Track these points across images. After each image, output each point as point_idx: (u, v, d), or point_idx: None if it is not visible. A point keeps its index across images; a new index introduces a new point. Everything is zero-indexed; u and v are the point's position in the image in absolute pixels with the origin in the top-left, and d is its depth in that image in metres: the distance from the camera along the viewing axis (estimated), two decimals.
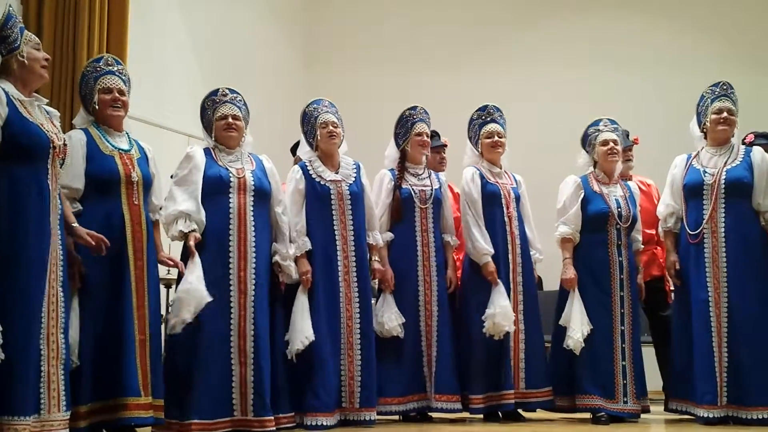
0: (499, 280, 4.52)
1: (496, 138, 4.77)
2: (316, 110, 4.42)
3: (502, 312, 4.43)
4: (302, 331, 4.06)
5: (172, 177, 4.03)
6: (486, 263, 4.54)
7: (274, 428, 3.88)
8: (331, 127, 4.37)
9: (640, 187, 5.07)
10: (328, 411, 4.09)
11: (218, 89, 4.17)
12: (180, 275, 3.83)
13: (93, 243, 3.37)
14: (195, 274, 3.73)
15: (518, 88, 7.84)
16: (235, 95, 4.17)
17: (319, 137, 4.37)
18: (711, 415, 4.30)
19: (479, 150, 4.82)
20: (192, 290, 3.69)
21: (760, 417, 4.23)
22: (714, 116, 4.54)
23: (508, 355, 4.55)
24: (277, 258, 4.10)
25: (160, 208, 3.86)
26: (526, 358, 4.60)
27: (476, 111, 4.86)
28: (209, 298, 3.73)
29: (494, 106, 4.86)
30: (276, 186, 4.17)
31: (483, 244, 4.55)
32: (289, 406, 4.05)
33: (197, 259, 3.78)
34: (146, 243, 3.63)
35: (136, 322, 3.52)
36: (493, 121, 4.81)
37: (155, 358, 3.61)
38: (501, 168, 4.80)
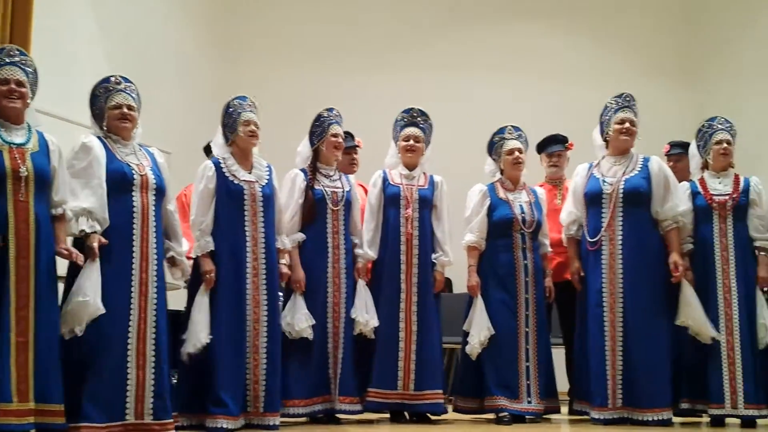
0: (360, 279, 4.61)
1: (412, 141, 4.82)
2: (241, 106, 4.35)
3: (358, 309, 4.54)
4: (196, 333, 4.01)
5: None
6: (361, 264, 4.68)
7: (174, 431, 3.80)
8: (253, 126, 4.32)
9: None
10: (230, 414, 4.02)
11: (111, 76, 3.98)
12: (72, 269, 3.68)
13: None
14: (92, 283, 3.60)
15: (434, 91, 7.84)
16: (129, 84, 3.99)
17: (240, 134, 4.30)
18: (602, 417, 4.45)
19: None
20: (87, 304, 3.55)
21: (652, 419, 4.40)
22: (617, 126, 4.69)
23: (397, 356, 4.61)
24: (172, 254, 4.02)
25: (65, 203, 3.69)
26: (418, 360, 4.63)
27: (401, 112, 4.90)
28: (103, 311, 3.60)
29: (419, 109, 4.88)
30: (168, 182, 4.05)
31: (359, 249, 4.68)
32: (173, 407, 3.92)
33: (97, 265, 3.65)
34: (34, 241, 3.47)
35: (13, 323, 3.36)
36: (414, 124, 4.85)
37: (48, 361, 3.46)
38: (413, 170, 4.82)
